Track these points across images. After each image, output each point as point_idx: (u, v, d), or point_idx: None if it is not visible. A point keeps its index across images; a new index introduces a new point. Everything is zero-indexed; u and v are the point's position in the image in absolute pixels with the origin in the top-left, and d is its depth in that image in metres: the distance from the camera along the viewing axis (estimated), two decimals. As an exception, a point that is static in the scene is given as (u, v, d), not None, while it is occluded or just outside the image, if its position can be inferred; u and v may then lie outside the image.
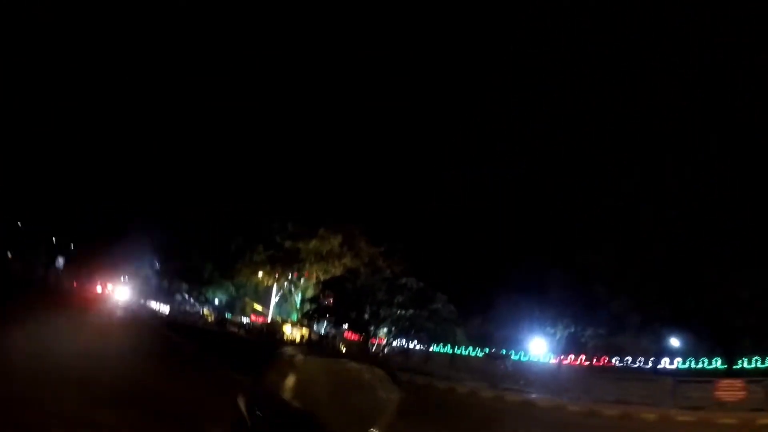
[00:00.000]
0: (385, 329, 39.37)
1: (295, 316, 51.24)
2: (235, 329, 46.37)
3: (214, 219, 49.91)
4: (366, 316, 38.90)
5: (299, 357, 4.73)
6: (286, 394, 4.45)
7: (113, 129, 51.52)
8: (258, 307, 52.59)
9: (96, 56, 51.11)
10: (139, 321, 39.94)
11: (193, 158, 52.98)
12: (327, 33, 52.88)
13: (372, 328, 39.53)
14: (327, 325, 47.90)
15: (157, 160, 52.19)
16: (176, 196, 52.39)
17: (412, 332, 37.73)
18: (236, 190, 50.32)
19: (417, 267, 42.33)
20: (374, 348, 40.79)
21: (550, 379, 32.25)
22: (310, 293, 50.10)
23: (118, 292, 53.88)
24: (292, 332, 45.09)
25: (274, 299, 54.03)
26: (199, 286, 53.40)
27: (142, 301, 54.82)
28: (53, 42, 47.42)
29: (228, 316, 53.97)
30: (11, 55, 44.10)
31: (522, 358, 39.49)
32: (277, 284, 48.78)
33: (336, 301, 41.30)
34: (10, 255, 52.29)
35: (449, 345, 37.86)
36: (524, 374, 34.92)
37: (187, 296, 55.20)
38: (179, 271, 53.57)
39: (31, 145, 46.81)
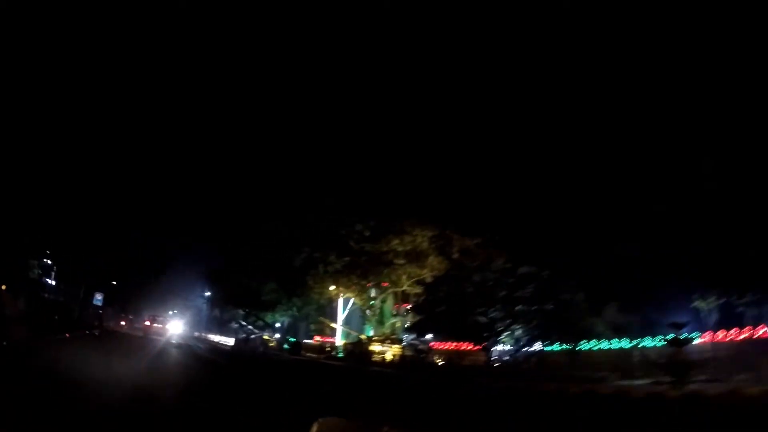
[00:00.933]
0: (506, 332, 33.04)
1: (369, 331, 44.82)
2: (314, 355, 39.79)
3: (270, 234, 43.44)
4: (484, 319, 32.58)
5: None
6: None
7: (153, 152, 45.42)
8: (334, 325, 46.02)
9: (131, 80, 45.37)
10: (202, 359, 32.82)
11: (238, 169, 46.67)
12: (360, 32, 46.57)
13: (488, 333, 33.21)
14: (409, 336, 41.70)
15: (199, 178, 45.91)
16: (223, 214, 46.22)
17: (547, 331, 31.36)
18: (289, 199, 43.85)
19: (520, 257, 36.16)
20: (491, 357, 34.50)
21: (728, 362, 26.12)
22: (389, 302, 43.82)
23: (170, 326, 47.13)
24: (382, 350, 38.59)
25: (343, 314, 47.57)
26: (257, 310, 46.70)
27: (196, 333, 48.13)
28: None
29: (291, 339, 47.43)
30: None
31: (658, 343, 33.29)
32: (359, 298, 42.15)
33: (441, 306, 35.01)
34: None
35: (592, 340, 31.39)
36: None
37: (244, 323, 48.49)
38: (233, 296, 46.90)
39: (61, 173, 40.31)
